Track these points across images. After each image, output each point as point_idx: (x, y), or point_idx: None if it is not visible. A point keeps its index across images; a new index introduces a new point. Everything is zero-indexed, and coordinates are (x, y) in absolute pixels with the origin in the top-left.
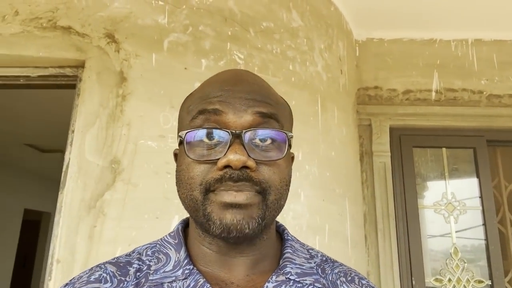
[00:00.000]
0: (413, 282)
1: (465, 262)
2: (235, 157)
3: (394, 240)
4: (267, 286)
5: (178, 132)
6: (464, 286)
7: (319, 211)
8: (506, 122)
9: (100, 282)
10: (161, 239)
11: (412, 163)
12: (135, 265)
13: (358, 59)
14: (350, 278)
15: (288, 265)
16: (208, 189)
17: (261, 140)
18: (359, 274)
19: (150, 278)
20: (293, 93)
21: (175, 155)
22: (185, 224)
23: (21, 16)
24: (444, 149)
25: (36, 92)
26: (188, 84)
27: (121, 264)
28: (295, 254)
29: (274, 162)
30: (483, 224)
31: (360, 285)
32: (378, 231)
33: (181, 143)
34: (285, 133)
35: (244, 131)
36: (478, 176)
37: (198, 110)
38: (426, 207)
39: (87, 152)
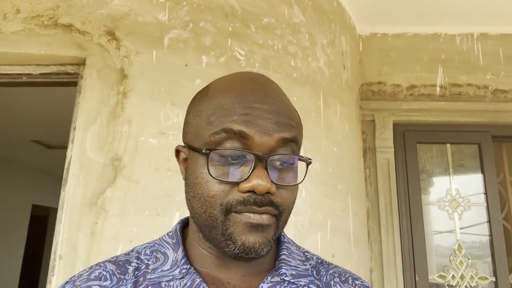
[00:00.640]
0: (417, 279)
1: (469, 259)
2: (260, 184)
3: (398, 237)
4: (262, 287)
5: (186, 136)
6: (468, 282)
7: (322, 207)
8: (511, 118)
9: (100, 280)
10: (159, 238)
11: (416, 159)
12: (133, 264)
13: (362, 54)
14: (344, 278)
15: (283, 267)
16: (229, 210)
17: (281, 164)
18: (353, 275)
19: (148, 277)
20: (294, 89)
21: (177, 151)
22: (183, 224)
23: (22, 14)
24: (448, 145)
25: (41, 89)
26: (189, 81)
27: (120, 263)
28: (291, 256)
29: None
30: (487, 221)
31: (354, 285)
32: (381, 227)
33: (194, 149)
34: (305, 161)
35: (268, 155)
36: (483, 172)
37: (223, 128)
38: (430, 203)
39: (88, 150)
